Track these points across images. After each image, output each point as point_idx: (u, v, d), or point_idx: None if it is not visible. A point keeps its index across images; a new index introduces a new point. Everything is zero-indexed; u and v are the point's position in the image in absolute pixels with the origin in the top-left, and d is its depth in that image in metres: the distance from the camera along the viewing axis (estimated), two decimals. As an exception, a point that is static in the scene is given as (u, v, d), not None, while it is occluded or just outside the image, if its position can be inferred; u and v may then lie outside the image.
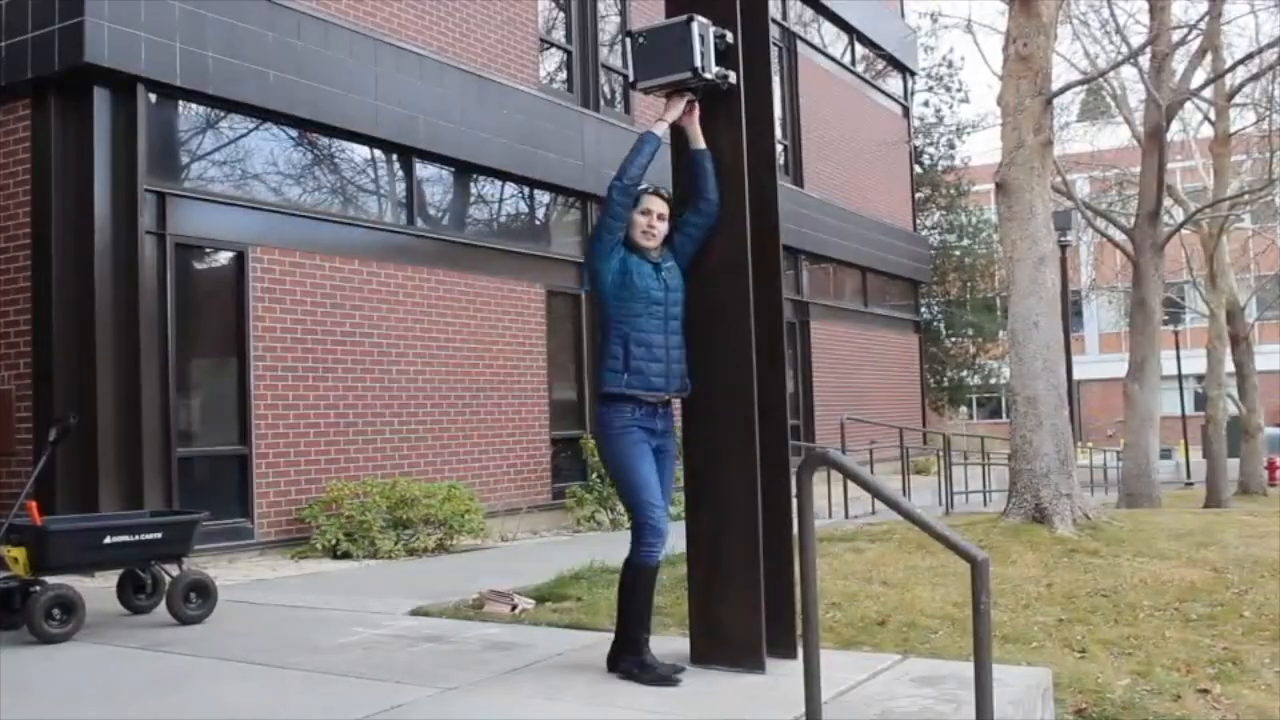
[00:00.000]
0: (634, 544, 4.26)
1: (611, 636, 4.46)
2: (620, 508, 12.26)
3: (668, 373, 4.35)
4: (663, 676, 4.20)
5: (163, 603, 5.88)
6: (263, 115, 9.65)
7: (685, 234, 4.47)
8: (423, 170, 11.32)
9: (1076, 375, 22.85)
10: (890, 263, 21.65)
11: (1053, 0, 9.85)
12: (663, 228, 4.42)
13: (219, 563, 8.47)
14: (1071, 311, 20.44)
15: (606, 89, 14.13)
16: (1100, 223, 17.47)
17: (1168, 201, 16.25)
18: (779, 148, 17.73)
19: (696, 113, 4.50)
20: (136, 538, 5.74)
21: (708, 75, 4.39)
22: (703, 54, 4.36)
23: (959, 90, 34.85)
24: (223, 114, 9.48)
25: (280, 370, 9.51)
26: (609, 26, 14.35)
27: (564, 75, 13.59)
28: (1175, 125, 17.51)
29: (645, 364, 4.30)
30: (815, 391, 18.23)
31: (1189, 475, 28.36)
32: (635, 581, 4.29)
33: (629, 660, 4.29)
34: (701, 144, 4.48)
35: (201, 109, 9.34)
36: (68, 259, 8.43)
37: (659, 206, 4.42)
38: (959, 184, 33.48)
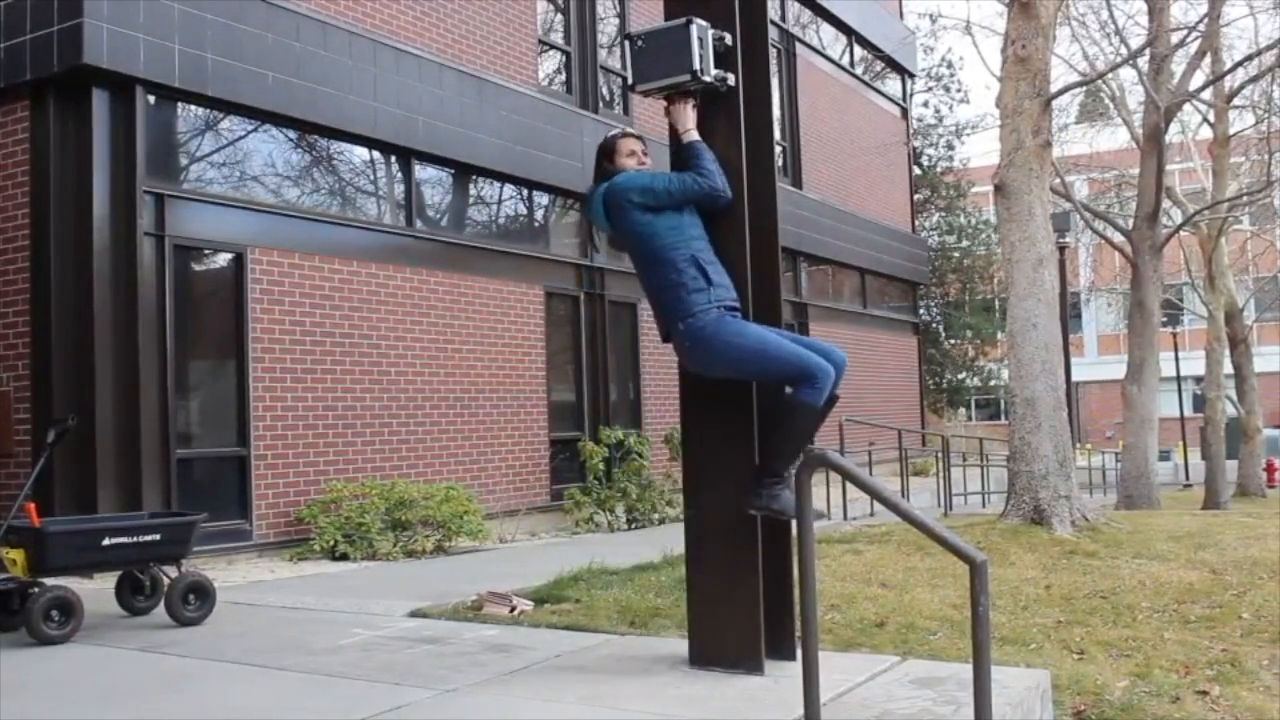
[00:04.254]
0: (800, 390, 4.15)
1: (610, 637, 4.46)
2: (619, 509, 12.28)
3: (731, 284, 4.33)
4: (787, 505, 4.13)
5: (161, 604, 5.87)
6: (261, 116, 9.65)
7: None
8: (421, 171, 11.32)
9: (1075, 377, 22.89)
10: (889, 264, 21.66)
11: (1051, 2, 9.85)
12: (649, 162, 4.53)
13: (217, 564, 8.47)
14: (1070, 313, 20.49)
15: (605, 91, 14.13)
16: (1099, 224, 17.48)
17: (1166, 203, 16.26)
18: (778, 149, 17.73)
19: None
20: (135, 539, 5.73)
21: (707, 78, 4.39)
22: (701, 56, 4.37)
23: (958, 91, 34.94)
24: (221, 115, 9.48)
25: (279, 371, 9.51)
26: (608, 28, 14.35)
27: (563, 77, 13.60)
28: (1174, 127, 17.52)
29: (722, 278, 4.29)
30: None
31: (1187, 477, 28.37)
32: (796, 415, 4.20)
33: (771, 488, 4.20)
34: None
35: (200, 110, 9.34)
36: (66, 260, 8.42)
37: (638, 145, 4.55)
38: (958, 185, 33.49)
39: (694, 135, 4.46)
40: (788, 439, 4.25)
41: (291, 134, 10.06)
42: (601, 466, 12.37)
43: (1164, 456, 27.96)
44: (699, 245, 4.30)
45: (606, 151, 4.55)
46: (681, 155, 4.47)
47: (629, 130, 4.72)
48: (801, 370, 4.15)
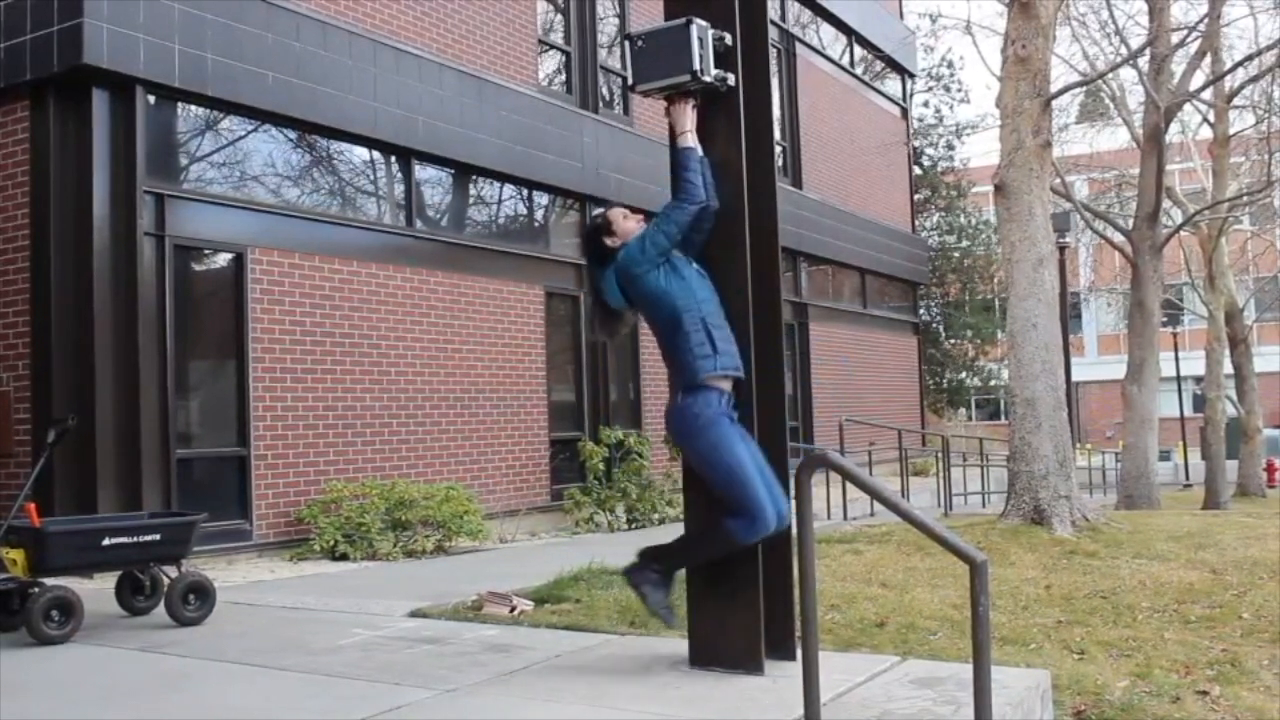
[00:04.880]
0: (734, 520, 4.21)
1: (610, 637, 4.46)
2: (619, 510, 12.28)
3: (737, 352, 4.36)
4: (660, 607, 4.38)
5: (161, 604, 5.87)
6: (261, 116, 9.65)
7: (690, 240, 4.47)
8: (421, 171, 11.32)
9: (1075, 377, 22.88)
10: (889, 264, 21.66)
11: (1051, 2, 9.85)
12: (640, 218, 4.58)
13: (217, 564, 8.47)
14: (1070, 313, 20.49)
15: (605, 91, 14.13)
16: (1099, 224, 17.48)
17: (1166, 203, 16.27)
18: (778, 149, 17.73)
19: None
20: (135, 539, 5.73)
21: (706, 78, 4.39)
22: (701, 56, 4.37)
23: (958, 91, 34.90)
24: (221, 115, 9.48)
25: (279, 371, 9.51)
26: (608, 28, 14.35)
27: (563, 77, 13.60)
28: (1174, 127, 17.53)
29: (727, 345, 4.31)
30: (814, 393, 18.24)
31: (1188, 477, 28.37)
32: (714, 540, 4.33)
33: (649, 575, 4.41)
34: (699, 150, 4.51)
35: (200, 110, 9.34)
36: (66, 260, 8.42)
37: (625, 209, 4.66)
38: (958, 185, 33.48)
39: (687, 140, 4.45)
40: (692, 548, 4.47)
41: (291, 134, 10.06)
42: (601, 466, 12.37)
43: (1164, 456, 27.96)
44: (709, 309, 4.33)
45: (603, 227, 4.54)
46: (672, 160, 4.47)
47: (608, 206, 4.76)
48: (749, 511, 4.20)
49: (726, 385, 4.31)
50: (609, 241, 4.50)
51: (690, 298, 4.30)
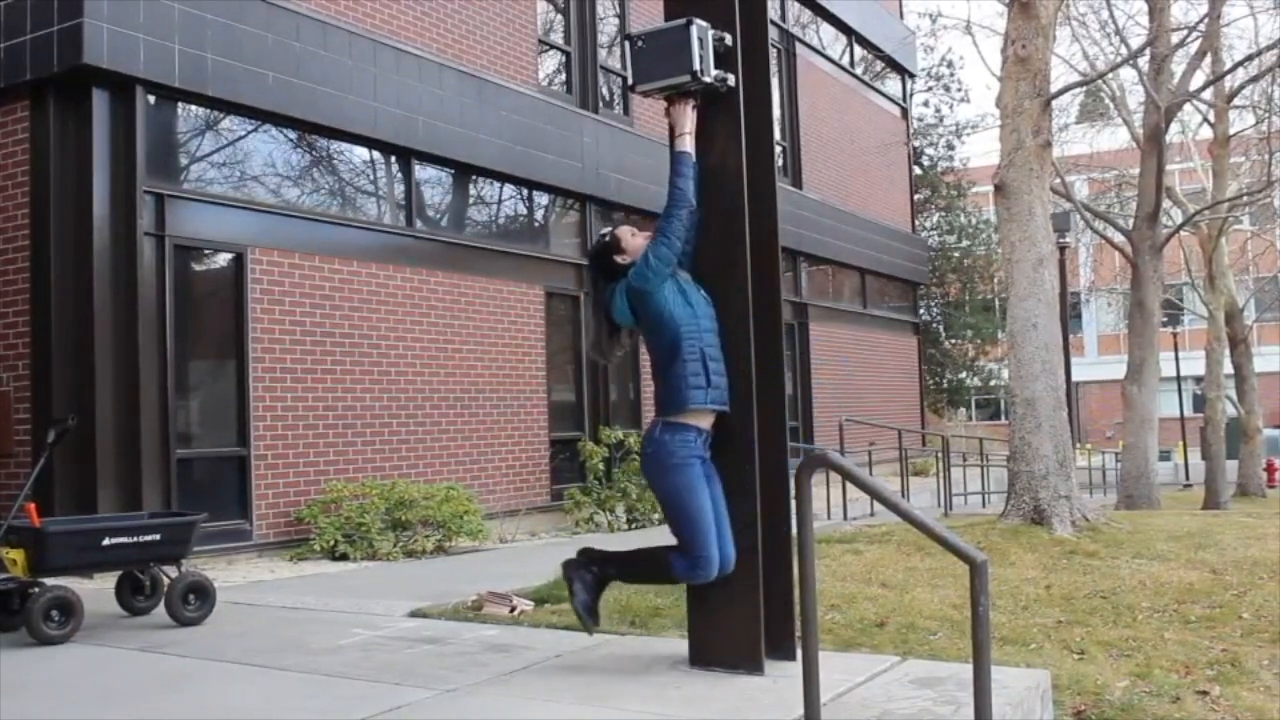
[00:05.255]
0: (679, 557, 4.29)
1: (610, 637, 4.47)
2: (619, 510, 12.29)
3: (727, 386, 4.37)
4: (584, 608, 4.50)
5: (161, 604, 5.87)
6: (261, 116, 9.65)
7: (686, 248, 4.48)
8: (421, 171, 11.32)
9: (1075, 377, 22.88)
10: (889, 264, 21.66)
11: (1051, 2, 9.85)
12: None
13: (217, 564, 8.47)
14: (1070, 313, 20.48)
15: (605, 91, 14.13)
16: (1099, 224, 17.48)
17: (1166, 203, 16.26)
18: (778, 149, 17.73)
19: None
20: (135, 539, 5.73)
21: (707, 78, 4.39)
22: (701, 57, 4.37)
23: (958, 91, 34.92)
24: (222, 115, 9.48)
25: (279, 371, 9.51)
26: (608, 28, 14.35)
27: (563, 77, 13.60)
28: (1174, 127, 17.53)
29: (720, 379, 4.33)
30: (814, 393, 18.24)
31: (1188, 477, 28.37)
32: (655, 568, 4.46)
33: (585, 575, 4.52)
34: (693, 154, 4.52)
35: (200, 110, 9.34)
36: (66, 260, 8.43)
37: (631, 226, 4.70)
38: (958, 185, 33.48)
39: (684, 143, 4.45)
40: (635, 566, 4.61)
41: (291, 134, 10.06)
42: (601, 466, 12.37)
43: (1164, 456, 27.94)
44: (710, 339, 4.34)
45: (612, 246, 4.53)
46: (671, 164, 4.48)
47: (615, 225, 4.79)
48: (695, 557, 4.26)
49: (709, 421, 4.32)
50: (619, 259, 4.49)
51: (694, 326, 4.31)
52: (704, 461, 4.33)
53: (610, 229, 4.70)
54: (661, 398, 4.37)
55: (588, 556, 4.58)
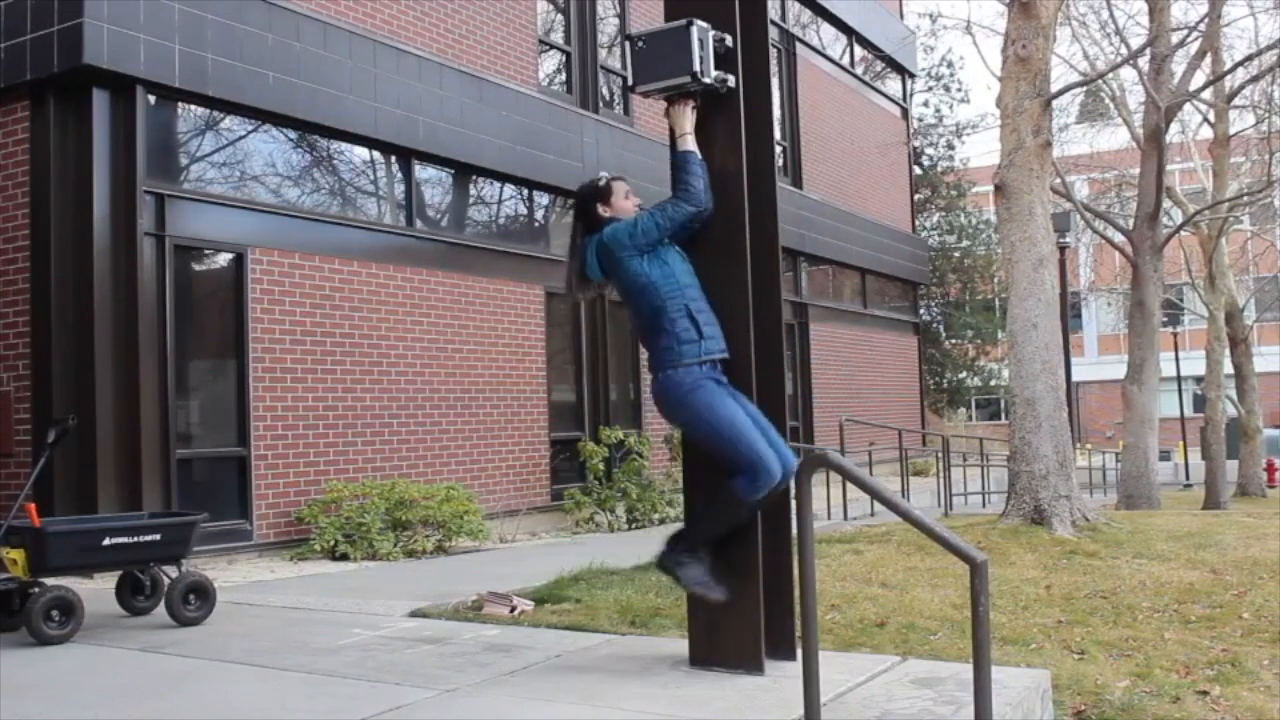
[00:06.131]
0: (739, 479, 4.19)
1: (610, 637, 4.47)
2: (619, 510, 12.28)
3: (721, 333, 4.36)
4: (697, 583, 4.24)
5: (162, 604, 5.88)
6: (262, 117, 9.66)
7: (680, 234, 4.45)
8: (422, 172, 11.32)
9: (1075, 377, 22.90)
10: (889, 264, 21.66)
11: (1052, 2, 9.85)
12: (639, 200, 4.55)
13: (218, 564, 8.48)
14: (1071, 313, 20.47)
15: (605, 91, 14.13)
16: (1099, 224, 17.47)
17: (1167, 203, 16.25)
18: (778, 149, 17.73)
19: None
20: (135, 539, 5.73)
21: (707, 79, 4.40)
22: (702, 58, 4.37)
23: (958, 91, 34.83)
24: (222, 115, 9.49)
25: (279, 372, 9.51)
26: (608, 28, 14.36)
27: (563, 77, 13.60)
28: (1174, 127, 17.51)
29: (713, 328, 4.32)
30: (814, 393, 18.24)
31: (1188, 477, 28.37)
32: (724, 505, 4.27)
33: (677, 557, 4.33)
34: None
35: (201, 110, 9.34)
36: (67, 261, 8.43)
37: (628, 186, 4.59)
38: (958, 185, 33.47)
39: (687, 143, 4.45)
40: (706, 520, 4.38)
41: (292, 134, 10.06)
42: (602, 466, 12.37)
43: (1164, 456, 27.95)
44: (692, 293, 4.33)
45: (601, 195, 4.51)
46: (672, 162, 4.47)
47: (617, 175, 4.71)
48: (750, 465, 4.17)
49: (721, 358, 4.32)
50: (601, 210, 4.50)
51: (674, 284, 4.30)
52: (720, 383, 4.30)
53: (609, 176, 4.65)
54: (655, 360, 4.35)
55: (670, 541, 4.44)
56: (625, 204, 4.49)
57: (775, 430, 4.32)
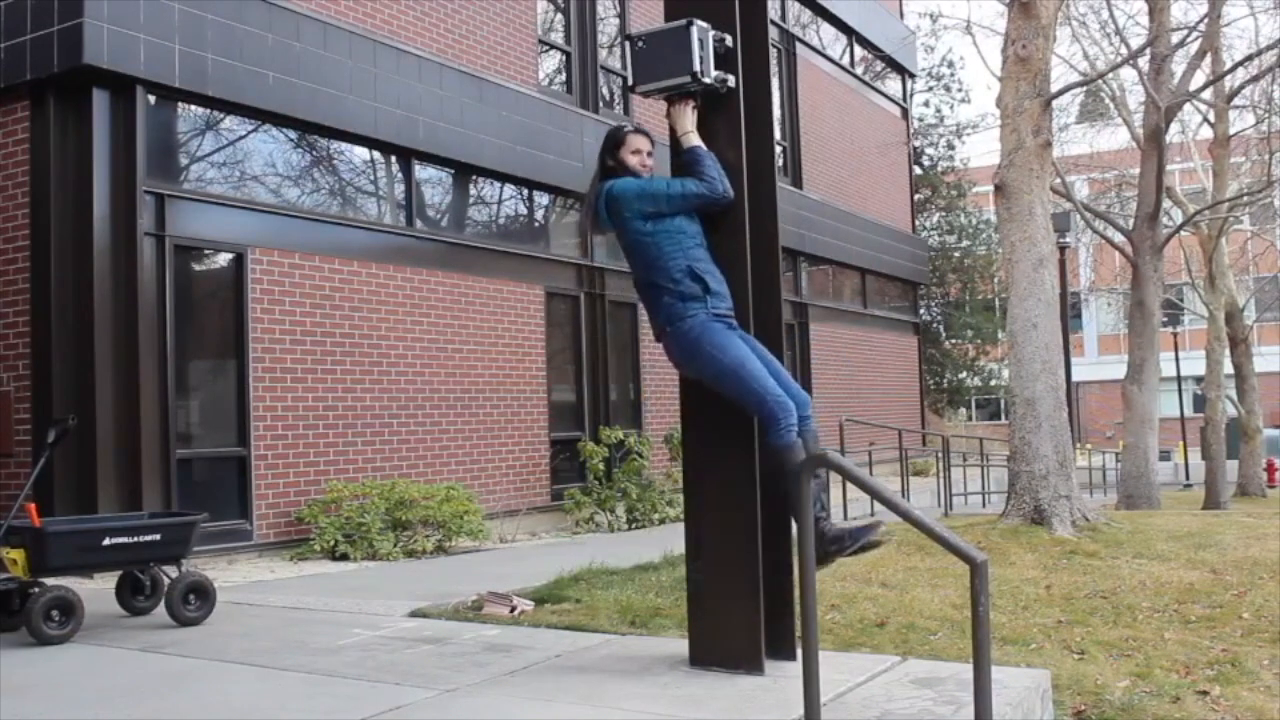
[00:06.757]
0: (765, 432, 4.16)
1: (610, 637, 4.46)
2: (619, 510, 12.29)
3: (732, 293, 4.34)
4: (843, 533, 4.10)
5: (162, 604, 5.88)
6: (262, 117, 9.66)
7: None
8: (422, 172, 11.32)
9: (1075, 377, 22.89)
10: (889, 264, 21.66)
11: (1052, 2, 9.85)
12: (652, 164, 4.48)
13: (218, 564, 8.48)
14: (1071, 313, 20.47)
15: (605, 91, 14.13)
16: (1099, 224, 17.47)
17: (1167, 203, 16.25)
18: (778, 149, 17.73)
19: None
20: (135, 539, 5.73)
21: (707, 79, 4.40)
22: (702, 58, 4.37)
23: (959, 91, 34.84)
24: (222, 115, 9.48)
25: (279, 372, 9.51)
26: (608, 28, 14.36)
27: (563, 77, 13.60)
28: (1174, 127, 17.51)
29: (720, 285, 4.29)
30: (814, 393, 18.19)
31: (1188, 477, 28.37)
32: (781, 459, 4.13)
33: (821, 536, 4.13)
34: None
35: (201, 110, 9.34)
36: (67, 261, 8.43)
37: (645, 144, 4.51)
38: (958, 185, 33.47)
39: (693, 139, 4.45)
40: (791, 492, 4.15)
41: (292, 134, 10.06)
42: (601, 466, 12.37)
43: (1164, 457, 27.95)
44: (696, 254, 4.31)
45: (614, 143, 4.51)
46: (682, 161, 4.47)
47: (639, 126, 4.66)
48: (762, 402, 4.15)
49: (728, 315, 4.30)
50: (608, 160, 4.48)
51: (676, 245, 4.28)
52: (731, 327, 4.27)
53: (632, 127, 4.59)
54: (661, 319, 4.32)
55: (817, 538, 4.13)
56: (630, 159, 4.45)
57: (787, 373, 4.32)
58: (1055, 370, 9.40)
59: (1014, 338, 9.55)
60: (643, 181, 4.39)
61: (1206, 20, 15.55)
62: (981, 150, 55.20)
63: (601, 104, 13.84)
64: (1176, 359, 30.04)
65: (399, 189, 11.15)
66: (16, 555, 5.45)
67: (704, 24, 4.40)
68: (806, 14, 19.79)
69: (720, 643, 4.40)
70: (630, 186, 4.36)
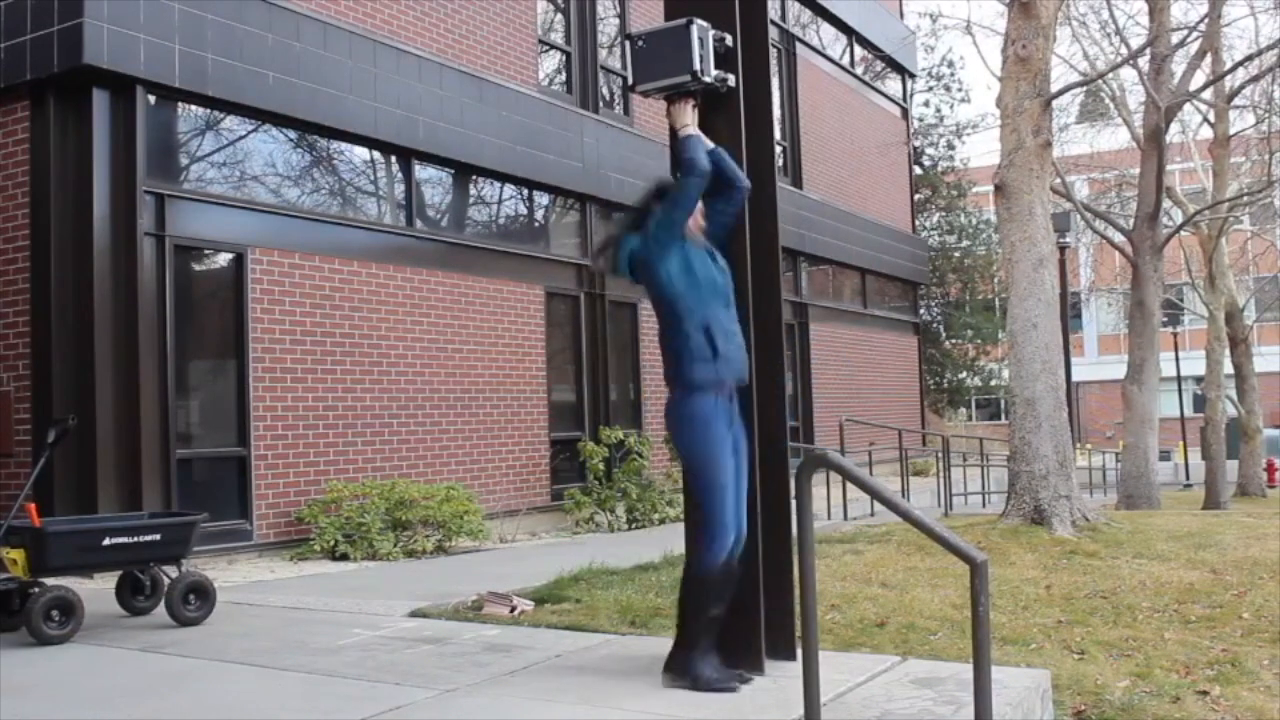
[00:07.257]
0: (695, 544, 4.17)
1: (610, 637, 4.46)
2: (619, 510, 12.28)
3: (744, 358, 4.30)
4: (714, 681, 4.09)
5: (162, 604, 5.88)
6: (262, 117, 9.65)
7: (718, 221, 4.40)
8: (422, 172, 11.32)
9: (1075, 377, 22.88)
10: (889, 264, 21.66)
11: (1052, 2, 9.86)
12: (705, 224, 4.39)
13: (218, 564, 8.47)
14: (1071, 313, 20.47)
15: (605, 91, 14.13)
16: (1099, 224, 17.48)
17: (1167, 203, 16.26)
18: (778, 149, 17.73)
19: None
20: (135, 539, 5.73)
21: (707, 78, 4.40)
22: (702, 57, 4.37)
23: (959, 91, 34.82)
24: (222, 115, 9.48)
25: (279, 372, 9.51)
26: (608, 28, 14.35)
27: (563, 77, 13.59)
28: (1174, 127, 17.52)
29: (732, 350, 4.22)
30: (814, 393, 18.24)
31: (1188, 477, 28.36)
32: (692, 588, 4.21)
33: (678, 666, 4.18)
34: (709, 142, 4.41)
35: (200, 110, 9.34)
36: (67, 261, 8.42)
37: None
38: (958, 185, 33.46)
39: (688, 130, 4.39)
40: (685, 610, 4.24)
41: (292, 134, 10.06)
42: (602, 466, 12.37)
43: (1164, 457, 27.94)
44: (715, 311, 4.21)
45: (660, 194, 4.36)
46: (674, 152, 4.45)
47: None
48: (710, 513, 4.13)
49: (725, 389, 4.23)
50: (655, 206, 4.31)
51: (697, 300, 4.19)
52: (730, 425, 4.22)
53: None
54: (669, 371, 4.28)
55: (669, 659, 4.27)
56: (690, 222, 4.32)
57: (745, 496, 4.25)
58: (1055, 370, 9.41)
59: (1014, 338, 9.56)
60: (655, 224, 4.26)
61: (1206, 20, 15.56)
62: (981, 150, 55.23)
63: (601, 104, 13.84)
64: (1176, 359, 30.03)
65: (399, 189, 11.15)
66: (16, 555, 5.45)
67: (704, 23, 4.40)
68: (806, 14, 19.79)
69: (721, 643, 4.39)
70: (642, 235, 4.28)
